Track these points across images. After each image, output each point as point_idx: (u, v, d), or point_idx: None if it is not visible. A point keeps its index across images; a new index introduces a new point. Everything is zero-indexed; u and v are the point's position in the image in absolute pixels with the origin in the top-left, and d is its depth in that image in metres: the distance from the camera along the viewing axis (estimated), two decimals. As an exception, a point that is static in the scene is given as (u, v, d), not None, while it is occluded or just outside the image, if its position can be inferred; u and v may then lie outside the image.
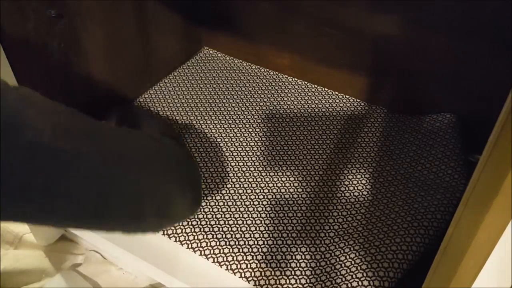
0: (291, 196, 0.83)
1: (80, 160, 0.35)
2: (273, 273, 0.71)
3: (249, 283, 0.70)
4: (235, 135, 0.96)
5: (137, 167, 0.40)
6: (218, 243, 0.75)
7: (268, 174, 0.87)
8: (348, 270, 0.71)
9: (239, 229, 0.77)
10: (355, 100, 1.06)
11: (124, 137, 0.42)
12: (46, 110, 0.35)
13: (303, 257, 0.73)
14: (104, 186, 0.37)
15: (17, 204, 0.33)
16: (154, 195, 0.42)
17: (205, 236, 0.76)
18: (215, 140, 0.94)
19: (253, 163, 0.89)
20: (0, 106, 0.31)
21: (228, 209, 0.81)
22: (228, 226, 0.78)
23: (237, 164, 0.89)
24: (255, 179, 0.86)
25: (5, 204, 0.32)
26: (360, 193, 0.84)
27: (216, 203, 0.81)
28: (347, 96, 1.06)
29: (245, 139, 0.95)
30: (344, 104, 1.04)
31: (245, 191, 0.84)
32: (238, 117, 1.00)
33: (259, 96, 1.07)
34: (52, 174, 0.33)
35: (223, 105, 1.04)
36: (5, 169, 0.31)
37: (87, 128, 0.37)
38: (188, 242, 0.75)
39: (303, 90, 1.08)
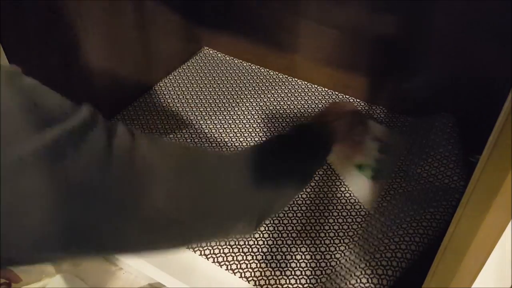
0: (291, 196, 0.83)
1: (181, 227, 0.40)
2: (273, 273, 0.71)
3: (249, 283, 0.70)
4: (235, 135, 0.96)
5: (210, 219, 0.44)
6: (217, 243, 0.75)
7: (268, 174, 0.87)
8: (348, 270, 0.71)
9: (239, 229, 0.77)
10: (355, 100, 1.06)
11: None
12: (161, 176, 0.37)
13: (303, 257, 0.73)
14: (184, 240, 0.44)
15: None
16: (218, 235, 0.51)
17: (205, 236, 0.76)
18: (215, 140, 0.94)
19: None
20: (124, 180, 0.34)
21: (228, 209, 0.80)
22: (228, 226, 0.78)
23: (237, 164, 0.89)
24: (255, 179, 0.86)
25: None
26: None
27: (216, 203, 0.81)
28: (347, 96, 1.06)
29: (245, 139, 0.95)
30: (344, 104, 1.04)
31: (245, 191, 0.84)
32: (238, 117, 1.00)
33: (259, 96, 1.07)
34: (156, 237, 0.38)
35: (223, 105, 1.04)
36: (114, 238, 0.35)
37: (192, 193, 0.41)
38: (188, 242, 0.75)
39: (303, 90, 1.08)
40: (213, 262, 0.73)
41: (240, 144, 0.93)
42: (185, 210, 0.40)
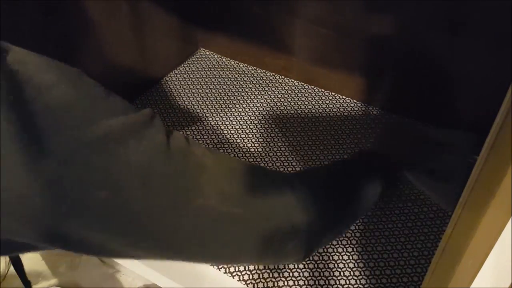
0: (288, 197, 0.83)
1: (235, 222, 0.41)
2: (271, 274, 0.71)
3: (247, 286, 0.70)
4: (232, 136, 0.95)
5: (262, 232, 0.44)
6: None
7: (265, 175, 0.87)
8: (345, 271, 0.71)
9: (236, 230, 0.77)
10: (351, 100, 1.06)
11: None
12: (214, 175, 0.40)
13: (301, 258, 0.73)
14: (240, 245, 0.43)
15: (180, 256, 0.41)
16: (267, 256, 0.47)
17: (202, 238, 0.76)
18: (212, 142, 0.94)
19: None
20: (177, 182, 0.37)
21: (226, 211, 0.80)
22: (225, 228, 0.77)
23: (234, 165, 0.89)
24: (252, 181, 0.86)
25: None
26: (358, 194, 0.84)
27: (214, 205, 0.81)
28: (344, 97, 1.06)
29: (242, 141, 0.95)
30: (341, 105, 1.04)
31: (242, 192, 0.84)
32: (235, 118, 1.00)
33: (255, 97, 1.07)
34: (207, 233, 0.39)
35: (220, 106, 1.04)
36: (177, 229, 0.37)
37: (240, 192, 0.42)
38: (186, 244, 0.75)
39: (299, 91, 1.08)
40: (211, 265, 0.73)
41: (237, 145, 0.93)
42: (236, 213, 0.40)
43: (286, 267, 0.72)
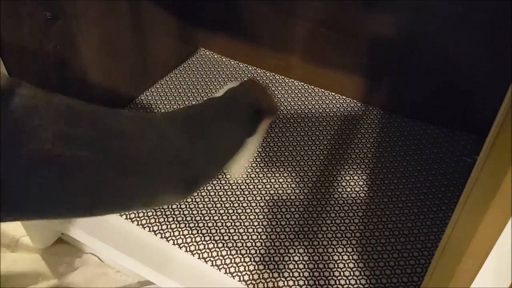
0: (288, 197, 0.83)
1: (78, 166, 0.37)
2: (271, 274, 0.71)
3: (247, 286, 0.70)
4: (232, 136, 0.95)
5: (131, 171, 0.41)
6: (216, 245, 0.75)
7: (265, 175, 0.87)
8: (345, 271, 0.71)
9: (236, 231, 0.77)
10: (351, 100, 1.06)
11: (126, 135, 0.41)
12: (47, 117, 0.36)
13: (301, 258, 0.73)
14: (98, 190, 0.39)
15: (15, 212, 0.36)
16: (142, 194, 0.44)
17: (202, 238, 0.76)
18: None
19: (249, 164, 0.89)
20: (1, 117, 0.33)
21: (226, 211, 0.80)
22: (226, 228, 0.78)
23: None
24: (252, 180, 0.86)
25: (5, 211, 0.34)
26: (357, 195, 0.84)
27: (214, 205, 0.81)
28: (344, 97, 1.06)
29: (242, 141, 0.94)
30: (341, 105, 1.04)
31: (242, 192, 0.84)
32: (235, 118, 1.00)
33: (255, 97, 1.06)
34: (50, 182, 0.35)
35: (220, 106, 1.03)
36: (6, 180, 0.33)
37: (87, 134, 0.38)
38: (186, 244, 0.75)
39: (299, 91, 1.08)
40: (212, 265, 0.73)
41: (237, 145, 0.93)
42: (84, 156, 0.37)
43: (286, 267, 0.72)
